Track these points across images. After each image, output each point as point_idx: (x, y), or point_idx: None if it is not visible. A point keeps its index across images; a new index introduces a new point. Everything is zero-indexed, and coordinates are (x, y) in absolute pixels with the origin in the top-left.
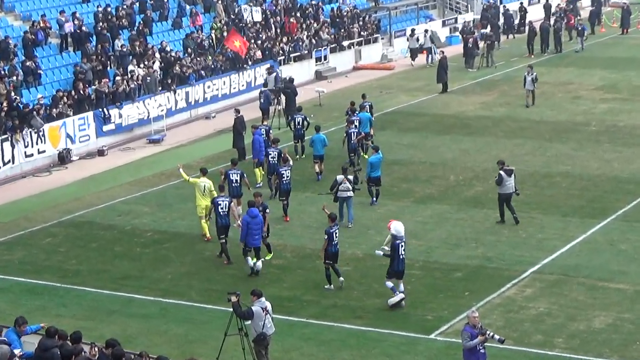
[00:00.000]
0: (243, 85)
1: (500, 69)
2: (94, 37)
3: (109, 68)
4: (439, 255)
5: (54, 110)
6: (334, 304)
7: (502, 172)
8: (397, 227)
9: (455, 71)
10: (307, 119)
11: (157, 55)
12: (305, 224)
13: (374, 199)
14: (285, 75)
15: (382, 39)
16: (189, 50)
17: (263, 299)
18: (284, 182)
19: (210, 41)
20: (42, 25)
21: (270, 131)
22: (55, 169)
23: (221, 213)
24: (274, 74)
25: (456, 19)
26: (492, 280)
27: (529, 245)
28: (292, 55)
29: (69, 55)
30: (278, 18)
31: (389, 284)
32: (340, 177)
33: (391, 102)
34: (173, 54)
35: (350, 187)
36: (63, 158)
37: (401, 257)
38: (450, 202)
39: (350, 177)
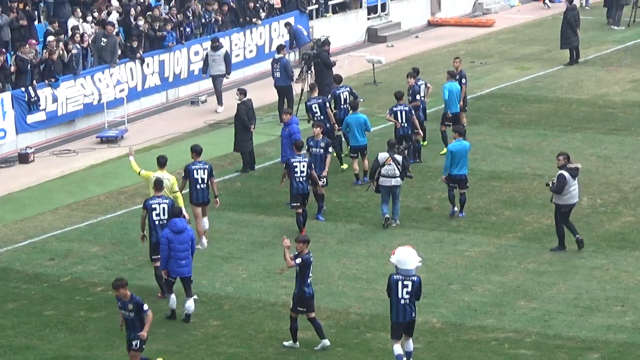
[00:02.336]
0: (251, 52)
1: None
2: None
3: (37, 22)
4: (564, 325)
5: None
6: None
7: (564, 173)
8: (400, 255)
9: (591, 30)
10: (354, 92)
11: (115, 1)
12: (348, 274)
13: (456, 209)
14: (319, 36)
15: None
16: None
17: None
18: (297, 179)
19: None
20: None
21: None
22: None
23: (157, 222)
24: (222, 50)
25: None
26: None
27: None
28: (330, 2)
29: None
30: None
31: (397, 349)
32: (382, 155)
33: (489, 80)
34: None
35: (397, 172)
36: None
37: (402, 302)
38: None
39: (399, 157)
